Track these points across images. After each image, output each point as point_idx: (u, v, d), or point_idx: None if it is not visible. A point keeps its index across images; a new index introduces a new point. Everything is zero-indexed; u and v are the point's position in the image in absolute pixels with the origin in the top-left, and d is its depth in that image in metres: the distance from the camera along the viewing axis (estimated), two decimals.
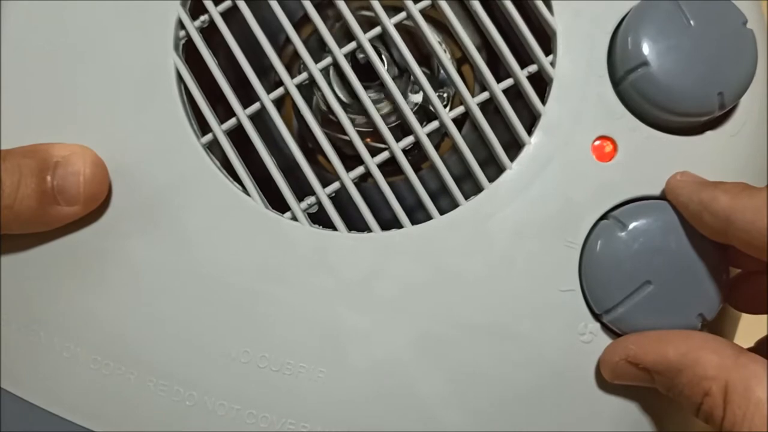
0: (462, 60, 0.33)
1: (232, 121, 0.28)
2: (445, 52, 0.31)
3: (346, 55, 0.28)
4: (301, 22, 0.32)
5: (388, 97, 0.30)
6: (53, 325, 0.28)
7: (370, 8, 0.29)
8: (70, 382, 0.28)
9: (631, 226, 0.26)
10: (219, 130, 0.28)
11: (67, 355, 0.28)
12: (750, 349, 0.28)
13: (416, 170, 0.28)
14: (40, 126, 0.29)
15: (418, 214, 0.28)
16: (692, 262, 0.26)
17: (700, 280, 0.26)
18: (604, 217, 0.27)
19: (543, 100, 0.28)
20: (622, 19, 0.28)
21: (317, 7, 0.29)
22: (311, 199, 0.28)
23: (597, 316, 0.27)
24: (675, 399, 0.25)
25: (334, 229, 0.28)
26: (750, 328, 0.31)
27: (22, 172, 0.27)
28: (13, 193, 0.26)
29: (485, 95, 0.28)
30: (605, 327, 0.27)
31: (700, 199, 0.25)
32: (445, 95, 0.33)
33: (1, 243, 0.28)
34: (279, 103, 0.28)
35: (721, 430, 0.24)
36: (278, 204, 0.28)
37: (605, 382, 0.27)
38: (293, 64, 0.33)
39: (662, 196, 0.27)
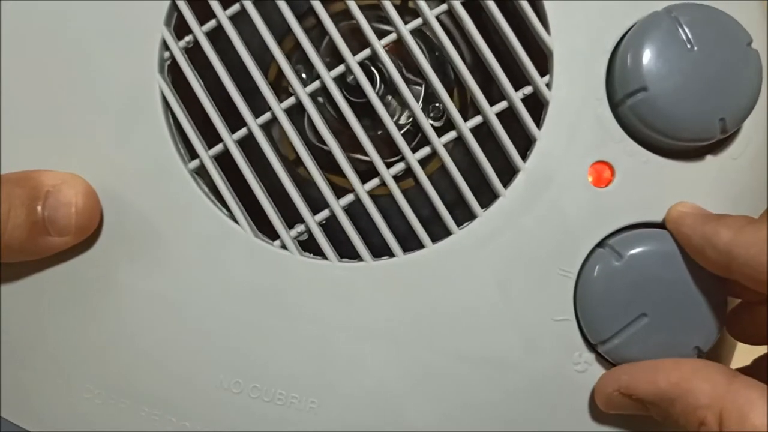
0: None
1: (219, 147, 0.27)
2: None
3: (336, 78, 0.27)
4: (288, 30, 0.31)
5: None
6: (45, 354, 0.28)
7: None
8: (64, 411, 0.28)
9: (627, 255, 0.26)
10: (206, 156, 0.27)
11: (60, 382, 0.28)
12: (746, 368, 0.28)
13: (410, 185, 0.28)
14: (26, 151, 0.28)
15: (410, 241, 0.27)
16: (689, 293, 0.26)
17: (696, 312, 0.26)
18: (600, 244, 0.27)
19: (539, 123, 0.27)
20: (622, 38, 0.27)
21: (303, 14, 0.28)
22: (301, 227, 0.27)
23: (592, 346, 0.27)
24: (671, 427, 0.25)
25: (325, 257, 0.27)
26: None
27: (12, 202, 0.26)
28: (3, 223, 0.26)
29: (478, 119, 0.27)
30: (600, 356, 0.27)
31: (702, 233, 0.25)
32: (440, 106, 0.32)
33: None
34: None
35: None
36: (270, 228, 0.28)
37: (600, 412, 0.27)
38: (282, 79, 0.32)
39: (660, 224, 0.27)
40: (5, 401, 0.28)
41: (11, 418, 0.28)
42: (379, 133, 0.30)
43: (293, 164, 0.30)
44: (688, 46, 0.25)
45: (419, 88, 0.30)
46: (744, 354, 0.30)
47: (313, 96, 0.28)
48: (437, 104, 0.32)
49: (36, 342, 0.28)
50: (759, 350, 0.29)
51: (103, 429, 0.28)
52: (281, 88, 0.30)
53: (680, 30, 0.25)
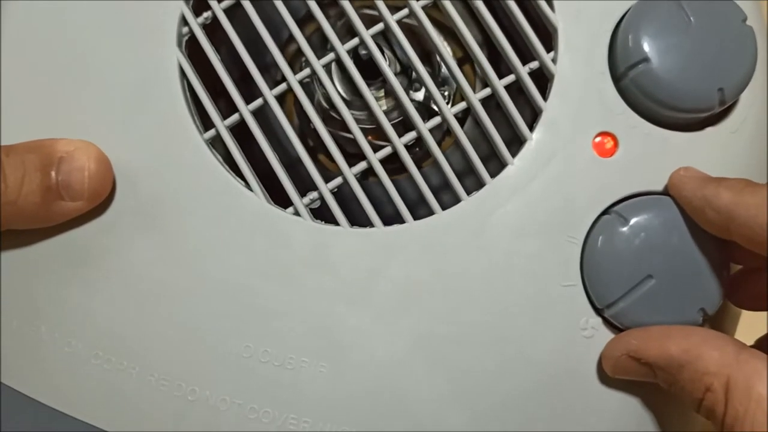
0: (462, 60, 0.33)
1: (234, 117, 0.28)
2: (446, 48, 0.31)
3: (348, 52, 0.28)
4: (304, 20, 0.33)
5: (390, 93, 0.30)
6: (54, 320, 0.28)
7: (372, 6, 0.29)
8: (72, 378, 0.28)
9: (633, 220, 0.27)
10: (221, 125, 0.28)
11: (68, 350, 0.28)
12: (751, 347, 0.28)
13: (418, 168, 0.28)
14: (42, 123, 0.29)
15: (420, 210, 0.28)
16: (693, 257, 0.26)
17: (701, 275, 0.26)
18: (605, 212, 0.27)
19: (544, 97, 0.28)
20: (623, 16, 0.28)
21: (320, 5, 0.29)
22: (313, 194, 0.28)
23: (598, 311, 0.27)
24: (676, 394, 0.25)
25: (337, 224, 0.28)
26: (750, 325, 0.31)
27: (26, 168, 0.27)
28: (17, 188, 0.26)
29: (487, 91, 0.28)
30: (607, 322, 0.27)
31: (703, 195, 0.25)
32: (446, 93, 0.33)
33: (1, 238, 0.28)
34: (280, 100, 0.28)
35: (723, 425, 0.24)
36: (280, 201, 0.28)
37: (607, 377, 0.27)
38: (295, 62, 0.33)
39: (663, 192, 0.27)
40: (10, 368, 0.28)
41: (14, 385, 0.28)
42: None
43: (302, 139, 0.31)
44: (687, 20, 0.27)
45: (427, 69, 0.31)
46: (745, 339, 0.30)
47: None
48: (443, 89, 0.33)
49: (43, 308, 0.28)
50: (759, 330, 0.29)
51: (111, 395, 0.28)
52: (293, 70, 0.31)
53: (679, 6, 0.27)
